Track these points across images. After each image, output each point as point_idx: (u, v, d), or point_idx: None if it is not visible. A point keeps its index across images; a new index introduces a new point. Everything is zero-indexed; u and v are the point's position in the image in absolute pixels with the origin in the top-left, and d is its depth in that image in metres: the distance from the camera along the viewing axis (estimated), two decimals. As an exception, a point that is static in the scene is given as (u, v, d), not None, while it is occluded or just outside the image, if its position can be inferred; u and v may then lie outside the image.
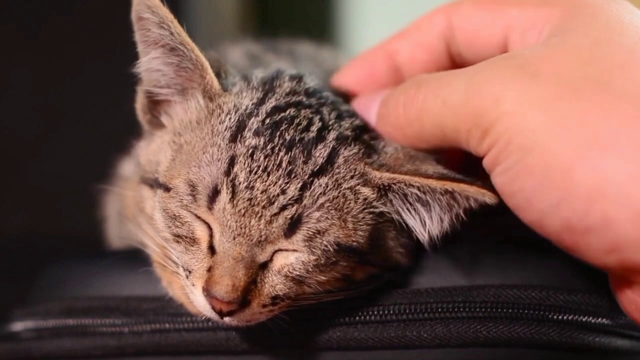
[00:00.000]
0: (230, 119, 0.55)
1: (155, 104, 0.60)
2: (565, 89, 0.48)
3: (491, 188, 0.52)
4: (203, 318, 0.56)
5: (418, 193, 0.54)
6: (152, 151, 0.60)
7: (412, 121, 0.55)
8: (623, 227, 0.45)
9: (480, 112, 0.50)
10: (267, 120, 0.55)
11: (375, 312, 0.56)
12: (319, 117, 0.56)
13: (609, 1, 0.53)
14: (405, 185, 0.54)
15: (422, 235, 0.56)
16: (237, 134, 0.54)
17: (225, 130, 0.55)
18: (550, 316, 0.54)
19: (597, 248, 0.47)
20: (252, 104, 0.56)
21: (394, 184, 0.55)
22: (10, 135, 1.29)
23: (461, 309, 0.55)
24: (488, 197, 0.52)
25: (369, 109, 0.59)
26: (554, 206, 0.47)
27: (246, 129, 0.54)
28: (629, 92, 0.47)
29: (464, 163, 0.60)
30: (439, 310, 0.56)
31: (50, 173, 1.29)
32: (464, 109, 0.51)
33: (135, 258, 0.61)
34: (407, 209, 0.56)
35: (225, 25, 1.55)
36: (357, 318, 0.56)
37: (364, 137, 0.57)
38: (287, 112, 0.56)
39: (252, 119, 0.55)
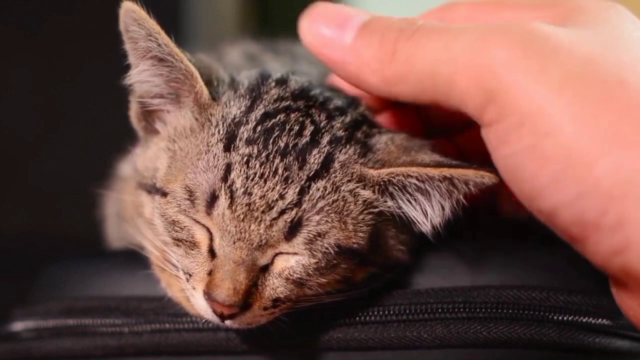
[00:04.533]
0: (219, 131, 0.55)
1: (149, 112, 0.60)
2: (588, 72, 0.46)
3: (488, 168, 0.51)
4: (203, 320, 0.56)
5: (417, 183, 0.54)
6: (148, 158, 0.59)
7: (400, 61, 0.51)
8: (637, 229, 0.44)
9: (488, 72, 0.47)
10: (259, 128, 0.54)
11: (376, 313, 0.56)
12: (309, 119, 0.56)
13: (607, 7, 0.52)
14: (404, 176, 0.54)
15: (425, 225, 0.55)
16: (229, 144, 0.54)
17: (217, 142, 0.54)
18: (550, 317, 0.54)
19: (605, 246, 0.46)
20: (241, 113, 0.56)
21: (393, 177, 0.54)
22: (11, 135, 1.29)
23: (461, 310, 0.55)
24: (487, 178, 0.51)
25: (343, 26, 0.54)
26: (570, 199, 0.46)
27: (237, 139, 0.54)
28: None
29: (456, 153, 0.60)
30: (439, 310, 0.55)
31: (50, 173, 1.29)
32: (469, 61, 0.48)
33: (135, 258, 0.61)
34: (408, 200, 0.55)
35: (225, 25, 1.55)
36: (357, 318, 0.56)
37: (358, 135, 0.57)
38: (278, 118, 0.55)
39: (242, 128, 0.54)
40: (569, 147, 0.45)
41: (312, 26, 0.55)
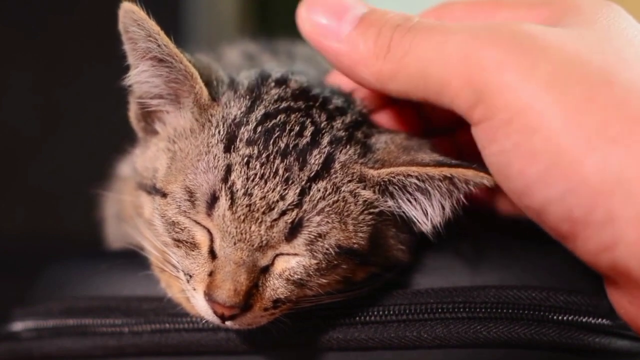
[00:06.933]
0: (219, 131, 0.55)
1: (148, 112, 0.60)
2: (575, 70, 0.46)
3: (488, 170, 0.51)
4: (203, 320, 0.56)
5: (417, 182, 0.54)
6: (148, 158, 0.59)
7: (394, 58, 0.51)
8: (625, 225, 0.45)
9: (479, 72, 0.47)
10: (259, 128, 0.54)
11: (376, 313, 0.56)
12: (310, 120, 0.56)
13: (601, 6, 0.52)
14: (404, 176, 0.54)
15: (425, 225, 0.55)
16: (229, 145, 0.54)
17: (217, 143, 0.54)
18: (550, 317, 0.54)
19: (593, 243, 0.46)
20: (241, 113, 0.56)
21: (393, 177, 0.54)
22: (11, 135, 1.30)
23: (461, 310, 0.55)
24: (487, 180, 0.51)
25: (341, 17, 0.54)
26: (558, 196, 0.46)
27: (237, 140, 0.54)
28: (637, 87, 0.46)
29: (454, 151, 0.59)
30: (439, 310, 0.56)
31: (50, 173, 1.29)
32: (460, 62, 0.48)
33: (135, 258, 0.61)
34: (408, 199, 0.55)
35: (225, 25, 1.55)
36: (357, 318, 0.56)
37: (357, 135, 0.57)
38: (278, 118, 0.55)
39: (242, 129, 0.54)
40: (557, 143, 0.45)
41: (310, 14, 0.55)
